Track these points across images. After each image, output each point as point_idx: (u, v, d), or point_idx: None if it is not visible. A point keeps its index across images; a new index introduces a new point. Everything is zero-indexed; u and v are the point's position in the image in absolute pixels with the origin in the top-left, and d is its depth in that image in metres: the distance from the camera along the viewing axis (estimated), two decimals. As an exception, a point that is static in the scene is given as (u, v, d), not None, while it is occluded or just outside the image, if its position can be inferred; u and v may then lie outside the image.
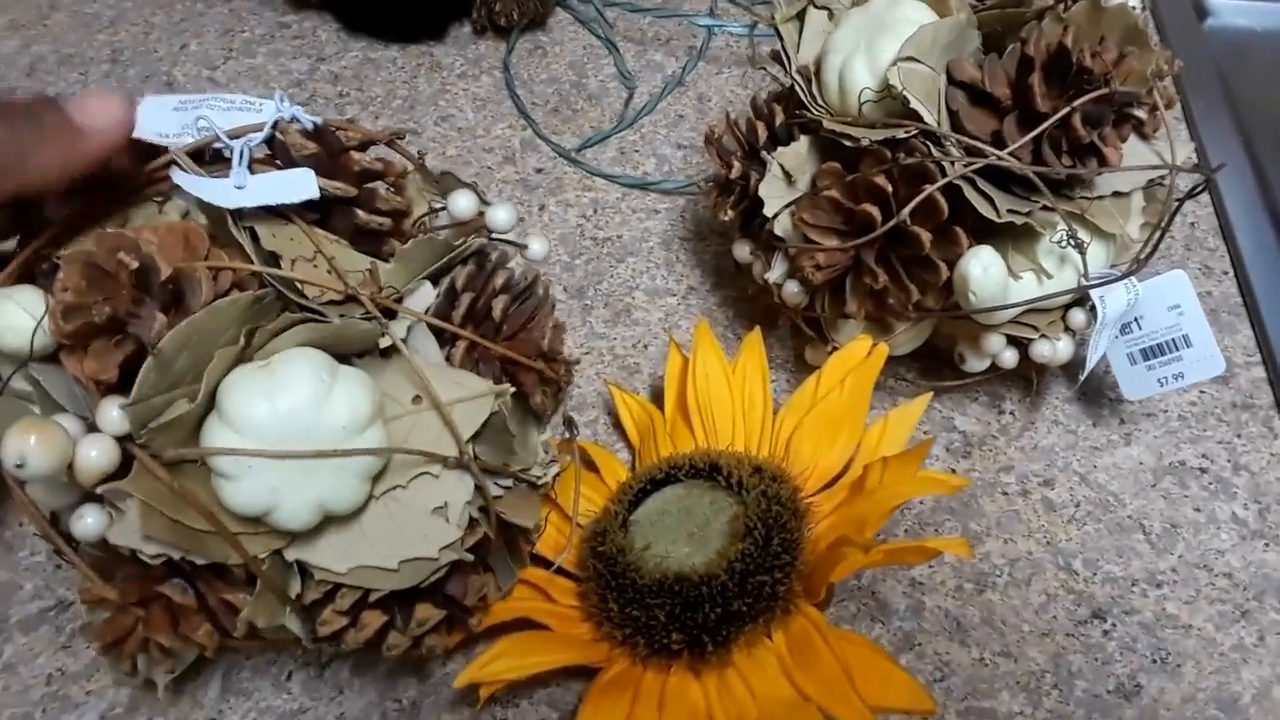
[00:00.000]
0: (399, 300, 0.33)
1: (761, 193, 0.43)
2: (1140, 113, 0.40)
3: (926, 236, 0.39)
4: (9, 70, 0.64)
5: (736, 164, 0.45)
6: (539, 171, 0.59)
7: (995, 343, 0.43)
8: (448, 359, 0.33)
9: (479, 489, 0.32)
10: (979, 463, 0.46)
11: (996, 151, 0.39)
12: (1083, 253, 0.40)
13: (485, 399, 0.32)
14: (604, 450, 0.44)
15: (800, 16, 0.46)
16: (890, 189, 0.40)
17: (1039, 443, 0.47)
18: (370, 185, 0.34)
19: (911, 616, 0.41)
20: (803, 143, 0.44)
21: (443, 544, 0.31)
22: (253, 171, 0.31)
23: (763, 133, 0.45)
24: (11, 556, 0.42)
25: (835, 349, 0.44)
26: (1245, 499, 0.45)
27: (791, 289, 0.44)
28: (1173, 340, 0.43)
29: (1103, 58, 0.39)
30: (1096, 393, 0.49)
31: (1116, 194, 0.42)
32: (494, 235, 0.36)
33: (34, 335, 0.28)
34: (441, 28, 0.67)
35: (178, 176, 0.31)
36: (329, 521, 0.30)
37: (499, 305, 0.34)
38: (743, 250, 0.47)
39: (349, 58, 0.66)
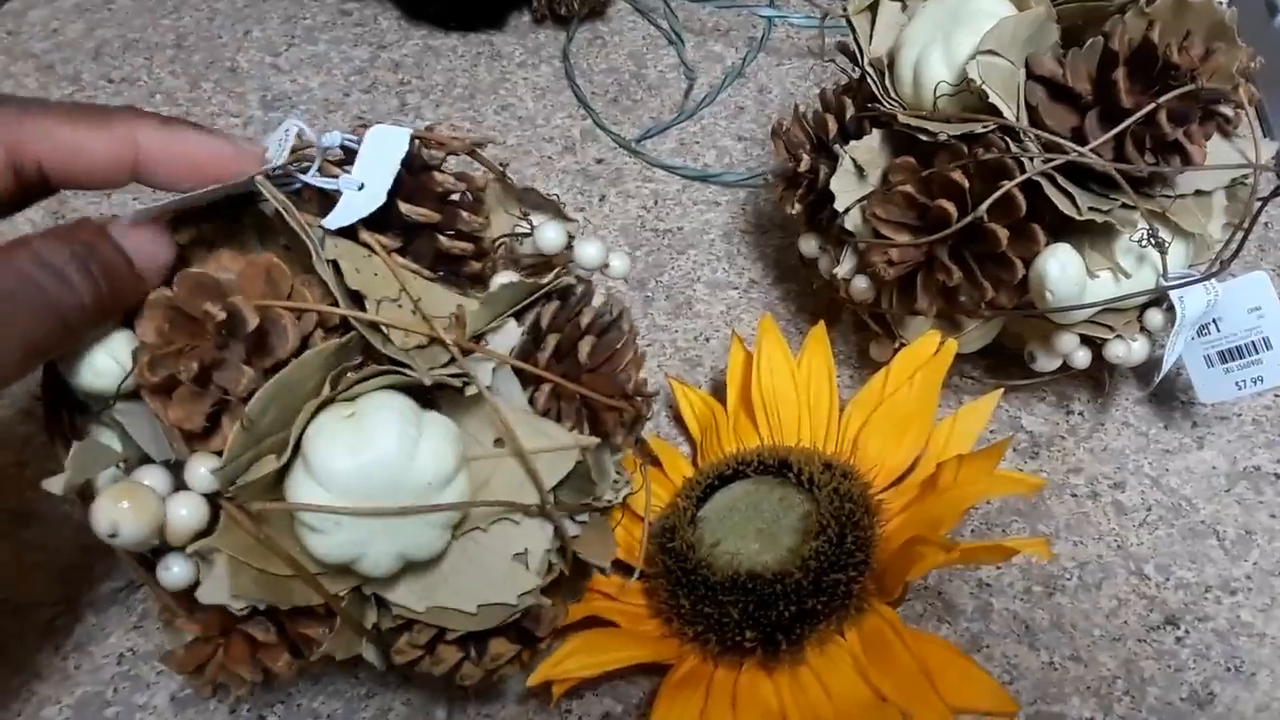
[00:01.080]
0: (482, 340, 0.31)
1: (833, 187, 0.42)
2: (1227, 110, 0.39)
3: (1003, 233, 0.38)
4: (75, 54, 0.65)
5: (805, 157, 0.45)
6: (599, 162, 0.59)
7: (1068, 342, 0.42)
8: (531, 400, 0.32)
9: (558, 532, 0.32)
10: (1047, 463, 0.45)
11: (1077, 148, 0.38)
12: (1164, 252, 0.39)
13: (571, 451, 0.31)
14: (667, 445, 0.44)
15: (873, 8, 0.45)
16: (967, 185, 0.39)
17: (1109, 444, 0.46)
18: (452, 205, 0.31)
19: (979, 618, 0.40)
20: (875, 136, 0.43)
21: (522, 591, 0.30)
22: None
23: (833, 126, 0.45)
24: (80, 538, 0.43)
25: (902, 345, 0.44)
26: (1323, 506, 0.44)
27: (860, 284, 0.44)
28: (1252, 343, 0.42)
29: (1189, 53, 0.38)
30: (1167, 395, 0.48)
31: (1199, 192, 0.41)
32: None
33: (121, 383, 0.28)
34: (501, 16, 0.67)
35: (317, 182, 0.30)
36: (409, 563, 0.30)
37: (585, 346, 0.33)
38: (810, 244, 0.47)
39: (410, 46, 0.66)
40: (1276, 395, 0.48)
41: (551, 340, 0.32)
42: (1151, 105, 0.38)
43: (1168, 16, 0.41)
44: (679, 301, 0.52)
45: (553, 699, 0.35)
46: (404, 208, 0.30)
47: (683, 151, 0.60)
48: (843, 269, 0.44)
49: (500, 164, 0.34)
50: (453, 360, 0.30)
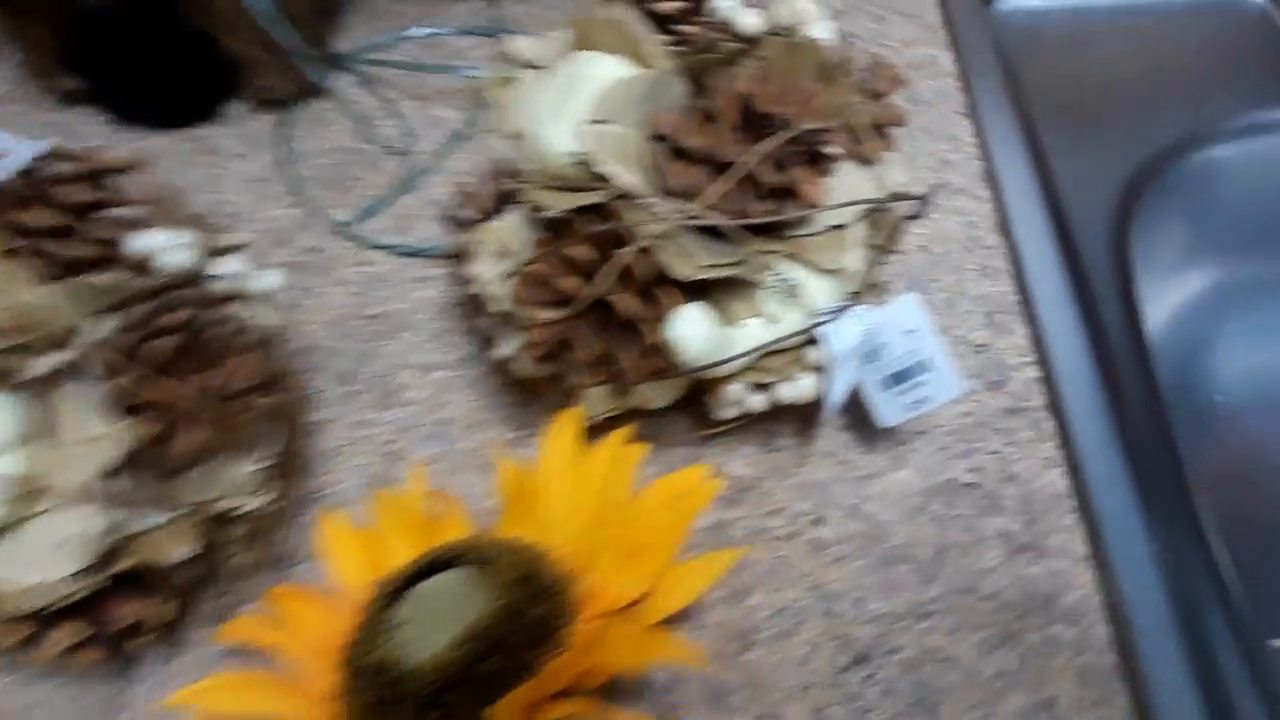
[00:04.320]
0: (74, 332, 0.36)
1: (472, 270, 0.42)
2: (835, 148, 0.39)
3: (629, 303, 0.38)
4: None
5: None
6: (311, 250, 0.58)
7: (736, 391, 0.42)
8: (108, 394, 0.35)
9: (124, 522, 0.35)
10: (750, 508, 0.45)
11: (689, 209, 0.38)
12: (795, 295, 0.39)
13: (116, 438, 0.35)
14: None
15: (511, 81, 0.45)
16: (594, 257, 0.39)
17: (811, 478, 0.46)
18: (94, 215, 0.38)
19: (671, 688, 0.40)
20: (517, 214, 0.43)
21: (65, 574, 0.34)
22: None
23: (493, 203, 0.44)
24: None
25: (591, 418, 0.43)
26: (1014, 511, 0.44)
27: (525, 364, 0.43)
28: (913, 365, 0.43)
29: (784, 100, 0.38)
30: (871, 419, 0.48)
31: (835, 227, 0.41)
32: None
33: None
34: (211, 109, 0.65)
35: None
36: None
37: (167, 344, 0.36)
38: (480, 324, 0.46)
39: (121, 150, 0.64)
40: (975, 400, 0.48)
41: (131, 338, 0.36)
42: (751, 156, 0.37)
43: (780, 61, 0.41)
44: (388, 390, 0.51)
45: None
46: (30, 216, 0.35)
47: (402, 228, 0.59)
48: (503, 349, 0.43)
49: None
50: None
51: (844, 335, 0.41)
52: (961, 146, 0.59)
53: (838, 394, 0.42)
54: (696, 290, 0.40)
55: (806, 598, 0.42)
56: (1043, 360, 0.49)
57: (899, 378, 0.43)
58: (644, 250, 0.38)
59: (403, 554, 0.41)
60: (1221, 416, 0.62)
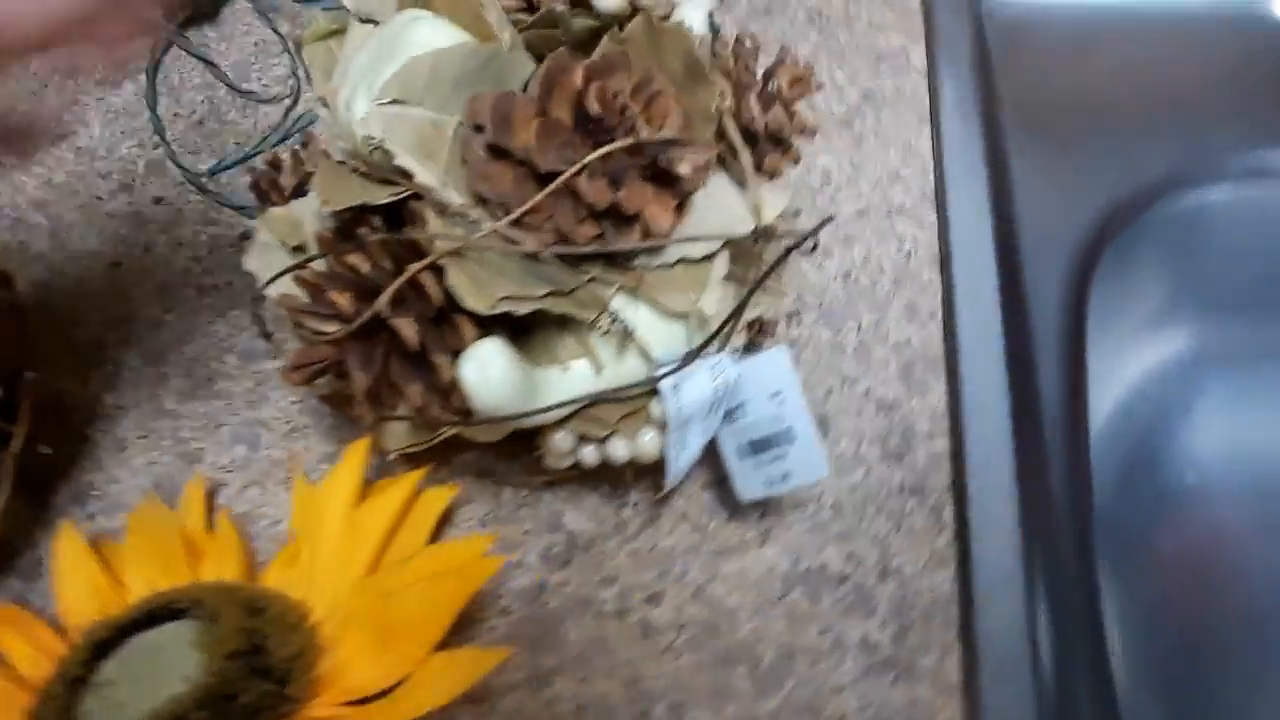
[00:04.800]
0: None
1: (248, 263, 0.34)
2: (684, 167, 0.31)
3: (409, 331, 0.31)
4: None
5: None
6: (158, 202, 0.50)
7: (562, 440, 0.35)
8: None
9: None
10: (578, 573, 0.38)
11: (497, 225, 0.31)
12: (630, 340, 0.32)
13: None
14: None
15: (336, 34, 0.37)
16: (387, 267, 0.32)
17: (658, 544, 0.39)
18: None
19: (434, 789, 0.33)
20: (313, 197, 0.35)
21: None
22: None
23: (295, 181, 0.37)
24: None
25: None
26: (885, 615, 0.37)
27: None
28: (777, 434, 0.35)
29: (626, 99, 0.30)
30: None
31: (686, 261, 0.33)
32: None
33: None
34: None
35: None
36: None
37: None
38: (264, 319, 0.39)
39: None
40: (868, 470, 0.41)
41: None
42: (568, 169, 0.30)
43: (641, 50, 0.33)
44: (200, 378, 0.44)
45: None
46: None
47: (264, 184, 0.51)
48: (280, 360, 0.36)
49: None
50: None
51: (691, 392, 0.34)
52: (914, 159, 0.51)
53: (678, 462, 0.35)
54: (509, 322, 0.32)
55: (619, 694, 0.35)
56: (956, 431, 0.41)
57: (758, 446, 0.36)
58: (437, 269, 0.31)
59: (148, 586, 0.35)
60: (1190, 499, 0.54)
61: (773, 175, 0.36)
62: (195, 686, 0.29)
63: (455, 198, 0.31)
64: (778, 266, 0.34)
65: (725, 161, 0.34)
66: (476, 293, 0.30)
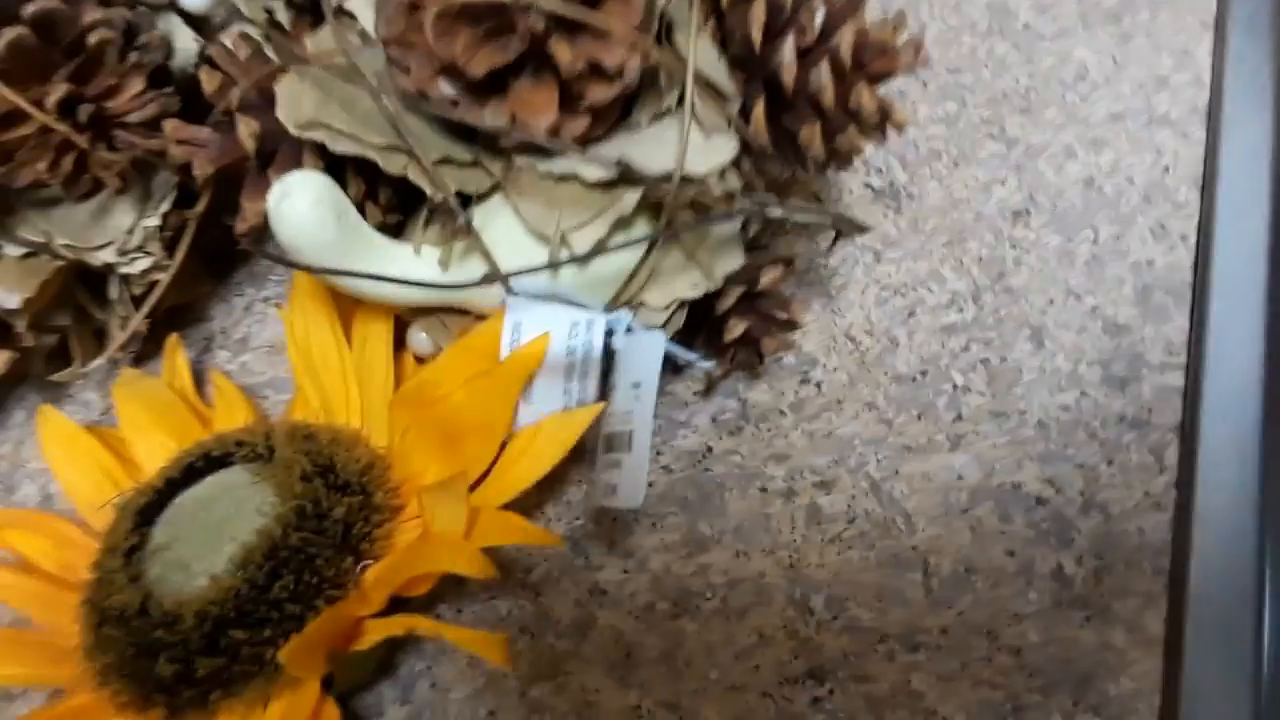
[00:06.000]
0: None
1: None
2: (565, 54, 0.26)
3: (250, 133, 0.27)
4: None
5: None
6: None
7: (417, 339, 0.32)
8: None
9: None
10: (746, 443, 0.36)
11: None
12: (458, 231, 0.29)
13: None
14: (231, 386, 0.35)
15: None
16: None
17: (837, 430, 0.36)
18: None
19: (573, 633, 0.32)
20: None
21: None
22: None
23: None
24: None
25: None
26: (1083, 549, 0.33)
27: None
28: (619, 434, 0.30)
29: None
30: (941, 375, 0.37)
31: (576, 181, 0.28)
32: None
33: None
34: None
35: None
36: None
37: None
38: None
39: None
40: (1083, 393, 0.36)
41: None
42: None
43: None
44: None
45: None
46: None
47: None
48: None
49: None
50: None
51: (534, 335, 0.30)
52: (1189, 67, 0.44)
53: (521, 416, 0.31)
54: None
55: (777, 575, 0.33)
56: (1193, 369, 0.37)
57: (608, 442, 0.31)
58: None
59: (165, 453, 0.32)
60: None
61: (845, 156, 0.30)
62: (284, 510, 0.27)
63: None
64: (695, 228, 0.29)
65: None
66: (291, 106, 0.26)
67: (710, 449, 0.35)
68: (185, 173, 0.30)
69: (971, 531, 0.33)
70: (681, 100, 0.29)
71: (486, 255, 0.28)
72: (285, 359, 0.37)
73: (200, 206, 0.33)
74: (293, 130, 0.27)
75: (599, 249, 0.28)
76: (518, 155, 0.28)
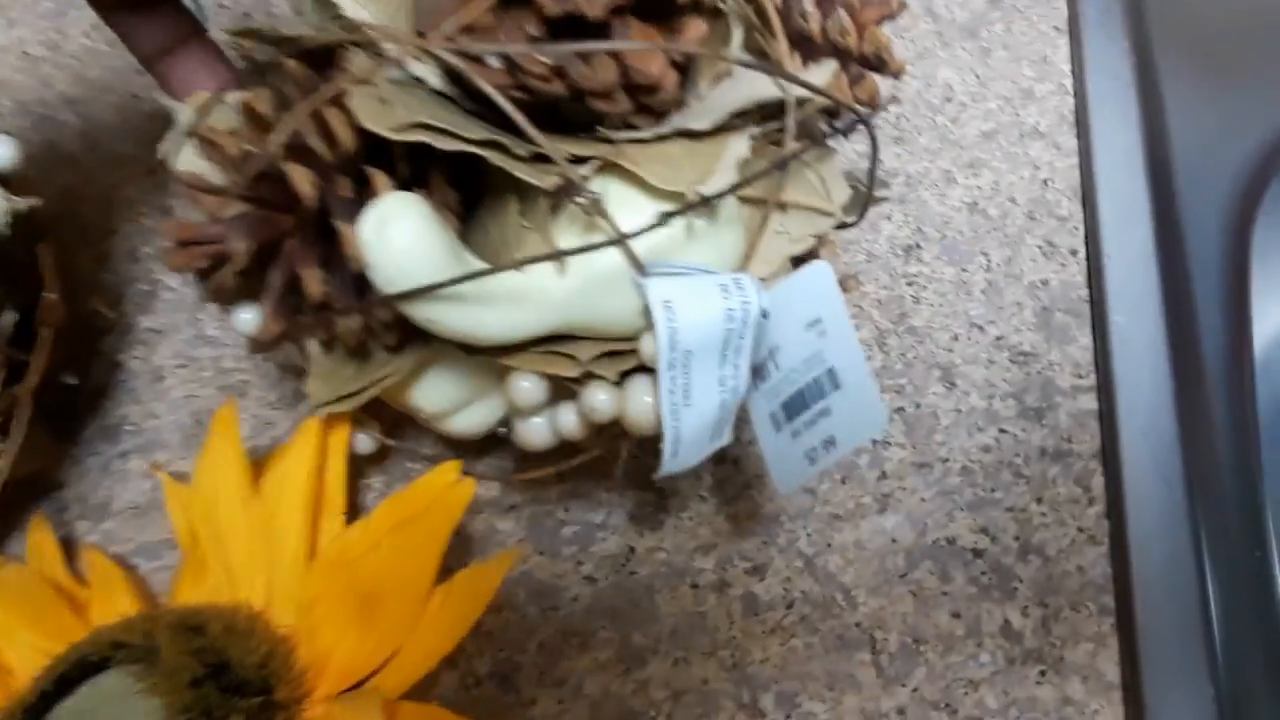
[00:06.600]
0: None
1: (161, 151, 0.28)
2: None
3: (301, 177, 0.24)
4: None
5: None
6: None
7: (529, 388, 0.26)
8: None
9: None
10: (669, 537, 0.34)
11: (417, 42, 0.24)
12: (590, 212, 0.24)
13: None
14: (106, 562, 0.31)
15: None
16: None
17: (761, 508, 0.34)
18: None
19: (512, 782, 0.29)
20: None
21: None
22: None
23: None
24: None
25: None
26: (1027, 599, 0.32)
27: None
28: (813, 382, 0.27)
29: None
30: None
31: (686, 135, 0.26)
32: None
33: None
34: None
35: None
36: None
37: None
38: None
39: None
40: (1002, 430, 0.35)
41: None
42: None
43: None
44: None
45: None
46: None
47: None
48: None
49: None
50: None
51: (690, 310, 0.24)
52: (1051, 75, 0.44)
53: (679, 423, 0.25)
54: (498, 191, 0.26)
55: (721, 679, 0.31)
56: (1105, 387, 0.36)
57: (793, 407, 0.28)
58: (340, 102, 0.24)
59: (40, 657, 0.28)
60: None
61: (870, 102, 0.30)
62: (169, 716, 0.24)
63: (395, 34, 0.25)
64: (831, 167, 0.28)
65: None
66: (380, 113, 0.24)
67: (633, 550, 0.33)
68: (207, 274, 0.26)
69: (914, 597, 0.32)
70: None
71: (611, 224, 0.24)
72: (153, 522, 0.34)
73: (32, 381, 0.30)
74: (392, 135, 0.23)
75: (747, 180, 0.25)
76: (613, 133, 0.26)
